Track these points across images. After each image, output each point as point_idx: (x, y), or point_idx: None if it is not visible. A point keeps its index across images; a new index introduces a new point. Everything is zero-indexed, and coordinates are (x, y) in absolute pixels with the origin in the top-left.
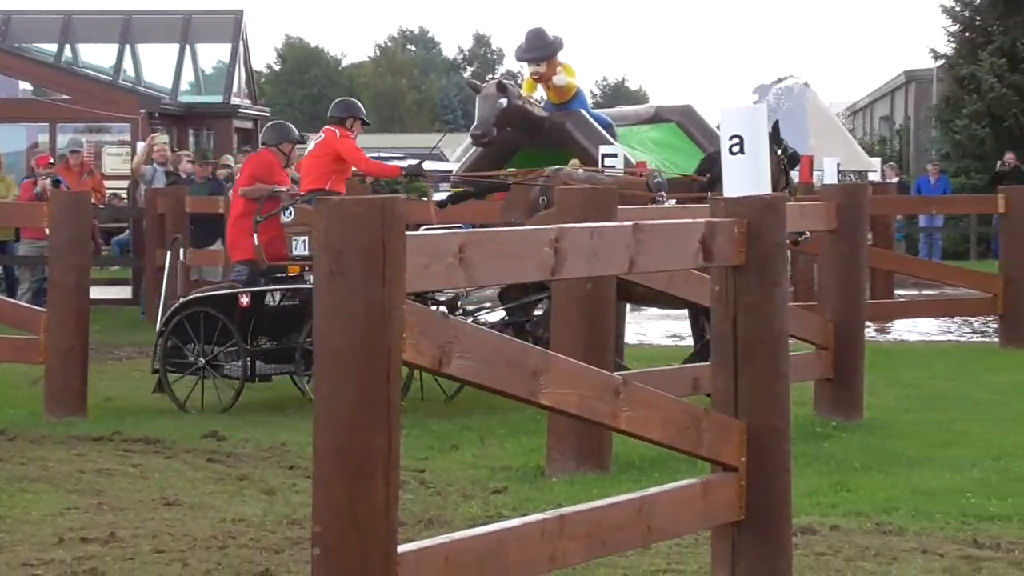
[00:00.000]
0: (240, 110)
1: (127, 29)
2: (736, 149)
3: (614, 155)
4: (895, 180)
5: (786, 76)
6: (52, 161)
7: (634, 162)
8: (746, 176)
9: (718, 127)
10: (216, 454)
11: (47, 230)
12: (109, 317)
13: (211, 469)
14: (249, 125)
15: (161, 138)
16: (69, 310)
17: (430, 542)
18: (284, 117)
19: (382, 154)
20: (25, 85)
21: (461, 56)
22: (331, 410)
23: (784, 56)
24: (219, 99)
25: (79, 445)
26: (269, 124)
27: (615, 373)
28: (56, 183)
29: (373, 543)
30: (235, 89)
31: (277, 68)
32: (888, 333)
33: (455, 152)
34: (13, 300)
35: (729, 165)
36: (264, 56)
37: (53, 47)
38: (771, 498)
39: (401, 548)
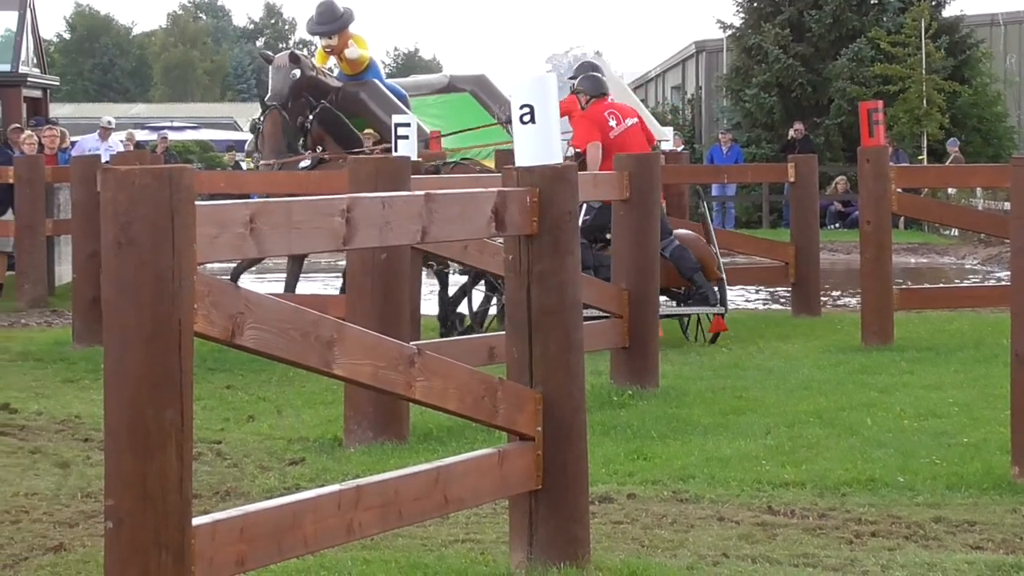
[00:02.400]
0: (28, 79)
1: None
2: (527, 119)
3: (407, 124)
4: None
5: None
6: None
7: (428, 132)
8: (537, 145)
9: (511, 96)
10: (8, 427)
11: None
12: None
13: (3, 443)
14: (38, 94)
15: None
16: None
17: (225, 514)
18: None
19: (175, 124)
20: None
21: (252, 26)
22: (121, 382)
23: (576, 27)
24: (7, 68)
25: None
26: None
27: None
28: None
29: (166, 516)
30: (23, 57)
31: (67, 37)
32: None
33: (248, 121)
34: None
35: (520, 134)
36: (53, 25)
37: None
38: (567, 467)
39: (196, 520)
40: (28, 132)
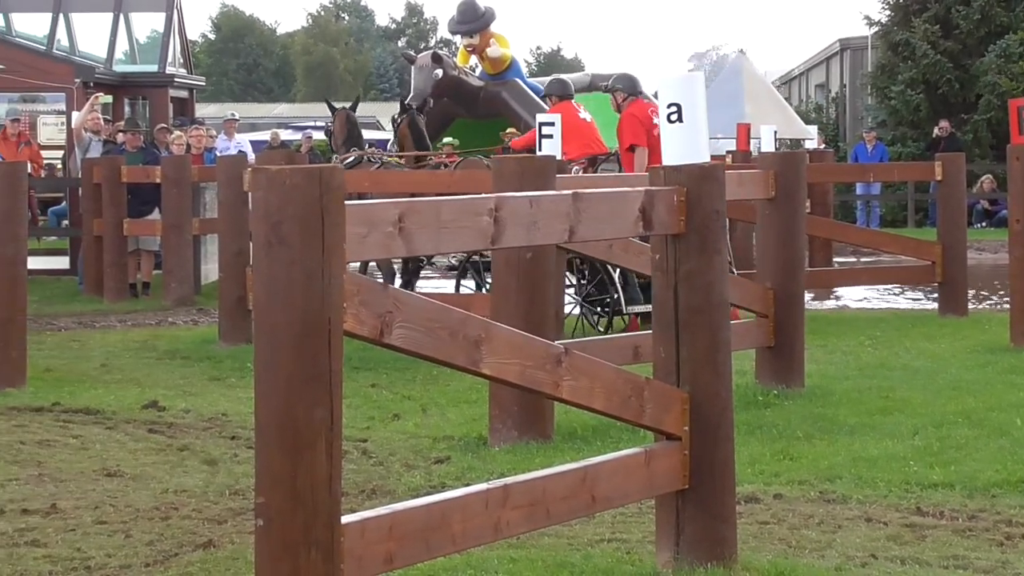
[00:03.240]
0: (175, 80)
1: None
2: (675, 117)
3: (551, 123)
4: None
5: (721, 44)
6: None
7: None
8: (685, 144)
9: (655, 95)
10: (157, 425)
11: None
12: (47, 288)
13: (152, 440)
14: (184, 95)
15: (104, 98)
16: (6, 281)
17: (374, 512)
18: (219, 86)
19: (318, 123)
20: None
21: (394, 25)
22: (271, 381)
23: (719, 24)
24: (154, 68)
25: (18, 416)
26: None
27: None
28: None
29: (316, 514)
30: (170, 58)
31: (212, 37)
32: (831, 300)
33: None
34: None
35: (668, 133)
36: (199, 25)
37: None
38: (714, 467)
39: (344, 518)
40: (177, 132)
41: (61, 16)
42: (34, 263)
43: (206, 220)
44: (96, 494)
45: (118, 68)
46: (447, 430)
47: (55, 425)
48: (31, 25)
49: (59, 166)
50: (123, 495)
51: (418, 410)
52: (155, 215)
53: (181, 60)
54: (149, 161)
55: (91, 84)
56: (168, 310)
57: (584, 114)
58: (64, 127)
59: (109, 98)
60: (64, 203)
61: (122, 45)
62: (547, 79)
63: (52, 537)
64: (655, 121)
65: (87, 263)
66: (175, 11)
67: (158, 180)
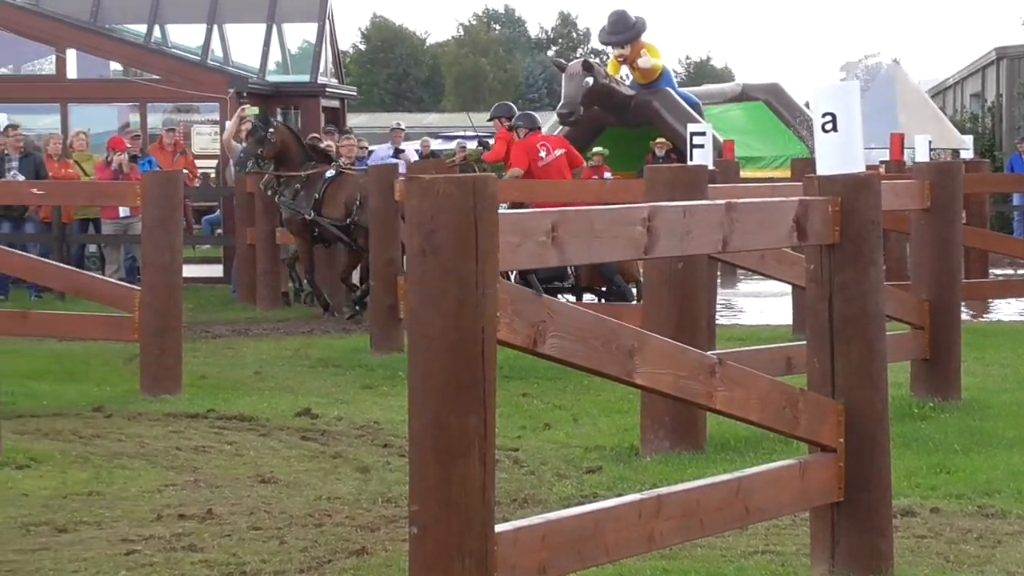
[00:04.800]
0: (327, 89)
1: (215, 9)
2: (829, 127)
3: (703, 133)
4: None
5: (874, 53)
6: (129, 144)
7: (722, 141)
8: (839, 154)
9: (806, 105)
10: (310, 432)
11: (122, 210)
12: (201, 296)
13: (305, 447)
14: (336, 104)
15: (251, 110)
16: (163, 289)
17: (527, 521)
18: (370, 96)
19: (467, 133)
20: (115, 66)
21: (545, 35)
22: (425, 389)
23: (871, 33)
24: (306, 78)
25: (175, 422)
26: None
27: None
28: (133, 159)
29: (469, 522)
30: (322, 68)
31: (362, 48)
32: (988, 312)
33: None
34: (108, 278)
35: (822, 143)
36: (350, 36)
37: (143, 28)
38: (870, 479)
39: (498, 527)
40: (329, 142)
41: (215, 27)
42: (189, 271)
43: None
44: (251, 500)
45: (271, 78)
46: (598, 440)
47: (210, 431)
48: (186, 36)
49: (213, 175)
50: (277, 501)
51: (569, 420)
52: None
53: (333, 70)
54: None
55: (244, 94)
56: (320, 318)
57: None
58: (217, 136)
59: (256, 110)
60: (218, 212)
61: (275, 55)
62: (697, 88)
63: (208, 542)
64: (541, 154)
65: (240, 271)
66: (327, 21)
67: None
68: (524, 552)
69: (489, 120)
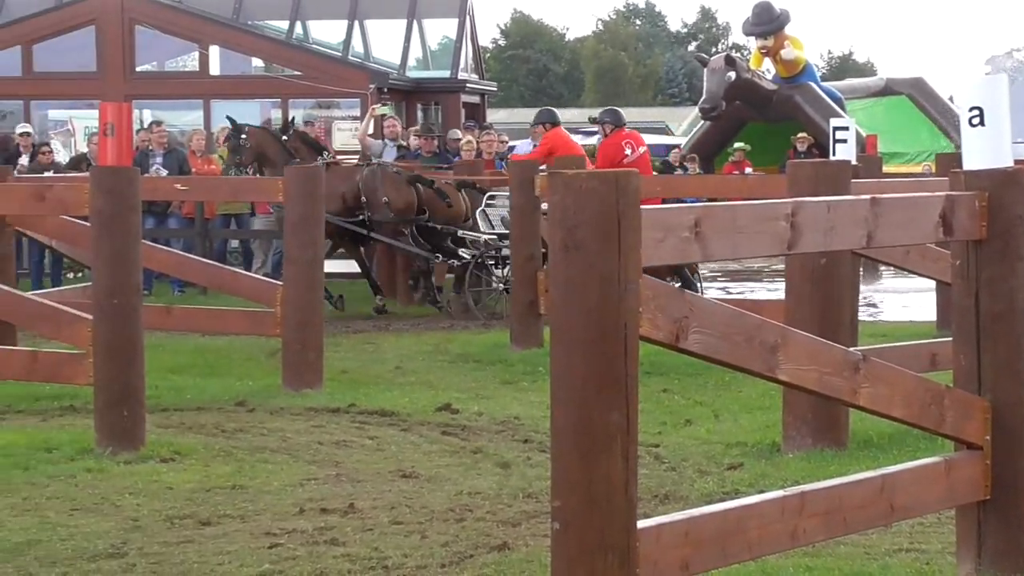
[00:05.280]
0: (467, 85)
1: (356, 6)
2: (976, 121)
3: (845, 128)
4: None
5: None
6: None
7: (865, 136)
8: (987, 148)
9: (950, 99)
10: (450, 427)
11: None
12: (341, 291)
13: (446, 442)
14: (476, 100)
15: (382, 109)
16: (304, 284)
17: (669, 518)
18: (509, 92)
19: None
20: (257, 62)
21: (686, 30)
22: (567, 385)
23: (1017, 26)
24: (446, 74)
25: (316, 417)
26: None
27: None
28: None
29: (612, 518)
30: (462, 64)
31: (502, 43)
32: None
33: (680, 126)
34: (250, 274)
35: (969, 137)
36: (490, 31)
37: (284, 24)
38: (1018, 477)
39: (640, 523)
40: (467, 137)
41: (356, 23)
42: (329, 266)
43: None
44: (392, 495)
45: (411, 74)
46: (739, 436)
47: (351, 426)
48: (327, 32)
49: None
50: (418, 496)
51: (710, 416)
52: None
53: (473, 66)
54: (442, 166)
55: (385, 90)
56: (460, 314)
57: (575, 137)
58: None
59: (387, 108)
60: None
61: (415, 51)
62: (840, 83)
63: (350, 536)
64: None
65: (380, 267)
66: (467, 17)
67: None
68: (666, 548)
69: (533, 126)
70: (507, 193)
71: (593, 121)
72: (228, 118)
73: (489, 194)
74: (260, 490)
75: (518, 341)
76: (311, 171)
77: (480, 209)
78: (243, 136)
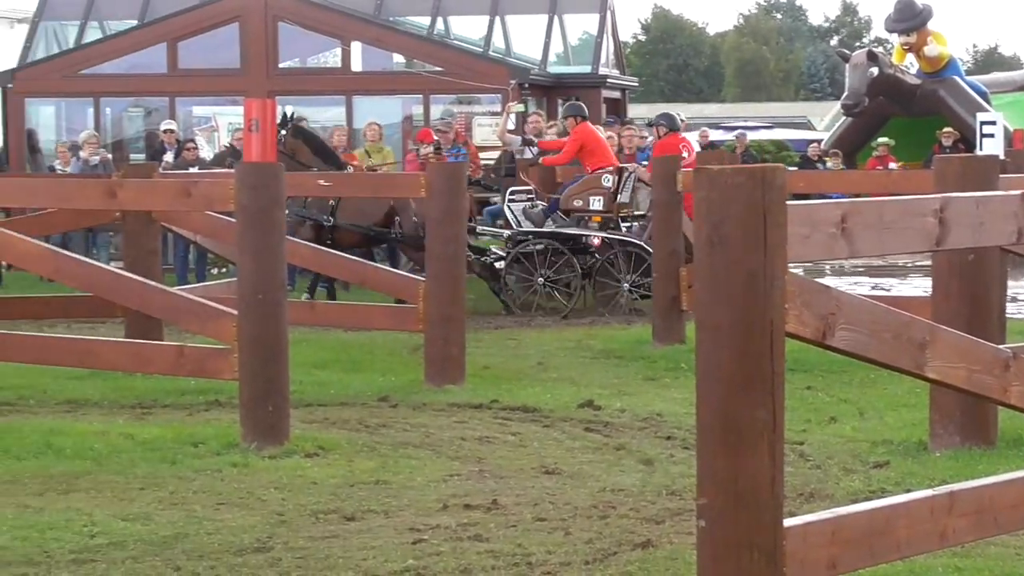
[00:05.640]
0: (608, 80)
1: (497, 2)
2: None
3: (992, 123)
4: None
5: None
6: (436, 137)
7: (1012, 130)
8: None
9: None
10: (593, 424)
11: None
12: (482, 286)
13: (588, 439)
14: (617, 95)
15: (517, 107)
16: (446, 279)
17: (816, 516)
18: (649, 87)
19: (748, 123)
20: (398, 57)
21: (827, 24)
22: (713, 381)
23: None
24: (587, 69)
25: (459, 413)
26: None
27: None
28: (437, 150)
29: (759, 516)
30: (603, 60)
31: (642, 38)
32: None
33: (823, 120)
34: (394, 270)
35: None
36: (630, 26)
37: (425, 20)
38: None
39: (787, 522)
40: (608, 133)
41: (497, 19)
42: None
43: None
44: (535, 491)
45: (552, 69)
46: (885, 434)
47: (494, 422)
48: (468, 28)
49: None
50: (561, 493)
51: (855, 413)
52: None
53: (613, 61)
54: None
55: (526, 85)
56: (602, 310)
57: (602, 132)
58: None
59: (521, 107)
60: (499, 203)
61: (556, 46)
62: (985, 76)
63: (494, 532)
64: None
65: None
66: (608, 12)
67: None
68: (813, 547)
69: (563, 119)
70: (528, 188)
71: (649, 124)
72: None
73: (511, 189)
74: (404, 485)
75: (660, 337)
76: (454, 167)
77: (504, 205)
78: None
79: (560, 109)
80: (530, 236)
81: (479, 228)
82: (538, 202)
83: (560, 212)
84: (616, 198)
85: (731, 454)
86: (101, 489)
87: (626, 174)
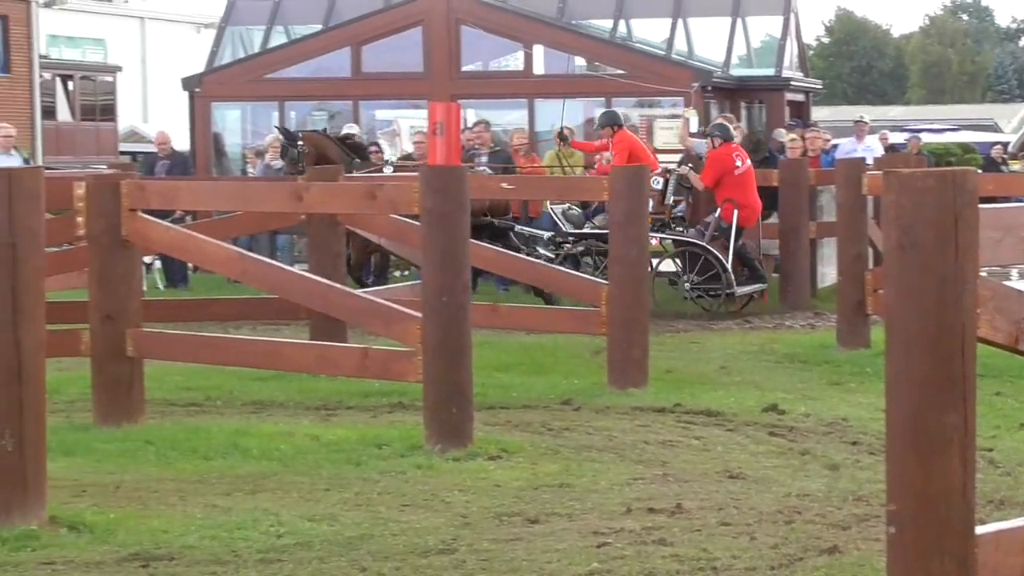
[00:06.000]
0: (792, 83)
1: (680, 4)
2: None
3: None
4: None
5: None
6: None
7: None
8: None
9: None
10: (777, 428)
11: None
12: (663, 290)
13: (772, 443)
14: (800, 98)
15: (689, 113)
16: (629, 282)
17: (1009, 524)
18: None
19: (933, 126)
20: (579, 60)
21: (1015, 25)
22: (903, 386)
23: None
24: (771, 72)
25: (641, 416)
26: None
27: None
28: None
29: (949, 522)
30: (787, 62)
31: (825, 41)
32: None
33: (1010, 123)
34: (576, 272)
35: None
36: (813, 29)
37: (608, 23)
38: None
39: (978, 529)
40: (792, 135)
41: (680, 21)
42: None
43: (823, 223)
44: (720, 495)
45: (734, 72)
46: None
47: (677, 426)
48: (650, 31)
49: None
50: (746, 497)
51: None
52: (772, 218)
53: (797, 63)
54: (766, 164)
55: (708, 88)
56: (785, 314)
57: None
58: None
59: (694, 114)
60: (681, 206)
61: (739, 49)
62: None
63: (678, 536)
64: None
65: None
66: (792, 14)
67: (775, 183)
68: (1007, 555)
69: (598, 129)
70: None
71: (704, 135)
72: (277, 127)
73: None
74: (587, 489)
75: (845, 341)
76: (636, 170)
77: (548, 206)
78: (300, 144)
79: (743, 113)
80: (570, 237)
81: (518, 228)
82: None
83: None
84: (664, 199)
85: (922, 459)
86: (287, 489)
87: (672, 176)
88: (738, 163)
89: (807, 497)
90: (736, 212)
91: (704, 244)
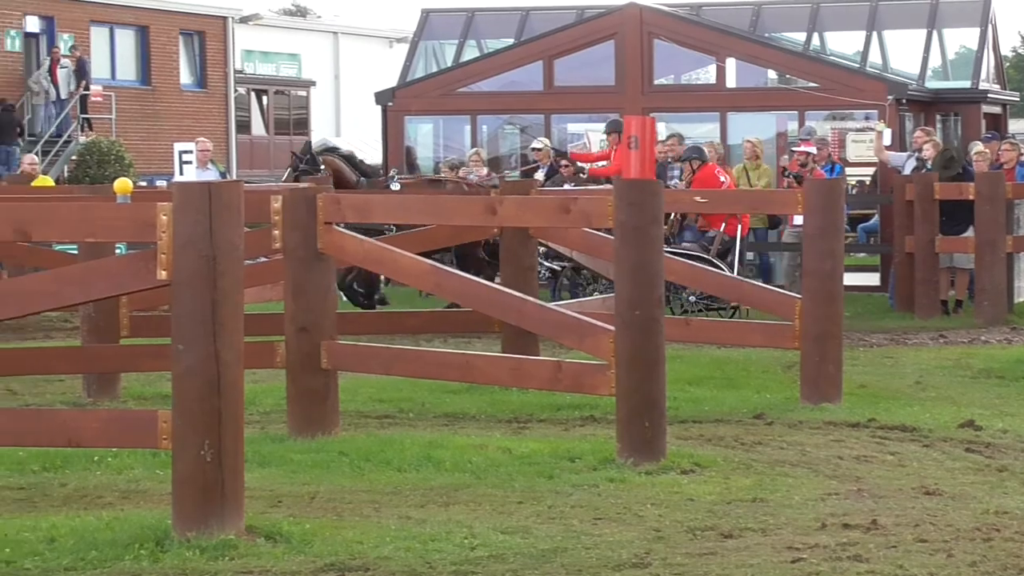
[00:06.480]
0: (988, 95)
1: (874, 16)
2: None
3: None
4: None
5: None
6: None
7: None
8: None
9: None
10: (974, 444)
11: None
12: (858, 304)
13: (969, 459)
14: (997, 110)
15: (880, 126)
16: (824, 296)
17: None
18: None
19: None
20: (772, 74)
21: None
22: None
23: None
24: (967, 84)
25: (835, 431)
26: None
27: None
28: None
29: None
30: (983, 74)
31: (1022, 52)
32: None
33: None
34: (769, 286)
35: None
36: (1009, 39)
37: (801, 36)
38: None
39: None
40: (981, 148)
41: (874, 34)
42: (846, 279)
43: (1019, 237)
44: (915, 512)
45: (930, 84)
46: None
47: (871, 441)
48: (843, 43)
49: (868, 182)
50: (943, 514)
51: None
52: (968, 232)
53: (994, 75)
54: (962, 178)
55: (903, 101)
56: (980, 328)
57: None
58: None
59: (888, 129)
60: (874, 220)
61: (934, 61)
62: None
63: (873, 553)
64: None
65: (898, 280)
66: (989, 26)
67: (971, 197)
68: None
69: (606, 134)
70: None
71: (682, 160)
72: (293, 153)
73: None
74: (781, 504)
75: None
76: (831, 184)
77: None
78: (321, 168)
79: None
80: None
81: None
82: None
83: None
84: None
85: None
86: (480, 502)
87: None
88: (723, 179)
89: (1006, 515)
90: (732, 224)
91: (709, 257)
